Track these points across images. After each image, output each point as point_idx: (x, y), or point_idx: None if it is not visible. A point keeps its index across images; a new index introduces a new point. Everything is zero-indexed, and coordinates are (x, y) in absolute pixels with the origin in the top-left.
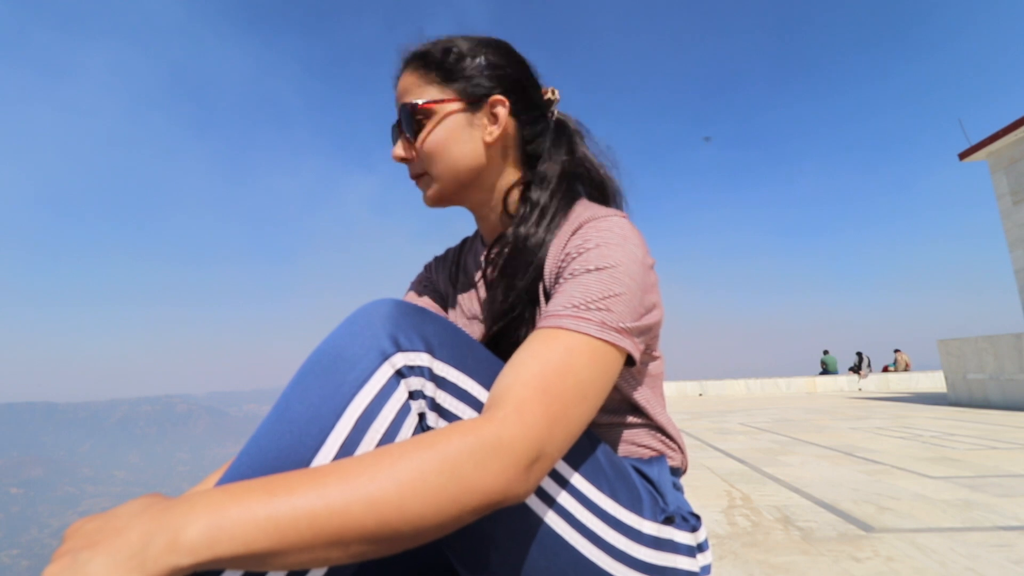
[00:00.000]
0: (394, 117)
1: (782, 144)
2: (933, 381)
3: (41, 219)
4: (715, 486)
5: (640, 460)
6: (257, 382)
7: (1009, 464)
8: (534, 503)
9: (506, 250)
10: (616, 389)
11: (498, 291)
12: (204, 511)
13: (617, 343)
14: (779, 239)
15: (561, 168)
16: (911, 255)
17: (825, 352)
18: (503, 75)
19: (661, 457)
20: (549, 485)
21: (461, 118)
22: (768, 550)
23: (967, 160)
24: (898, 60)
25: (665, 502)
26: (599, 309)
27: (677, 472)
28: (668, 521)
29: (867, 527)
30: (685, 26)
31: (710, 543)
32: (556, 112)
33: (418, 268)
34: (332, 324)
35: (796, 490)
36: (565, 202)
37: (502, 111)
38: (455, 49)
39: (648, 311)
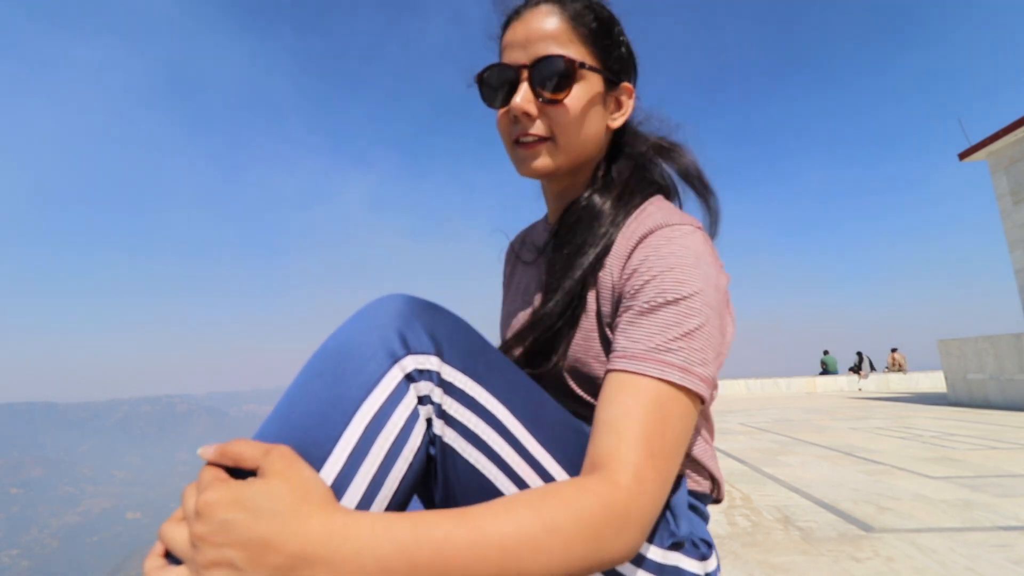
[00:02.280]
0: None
1: (780, 141)
2: (933, 381)
3: (40, 218)
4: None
5: None
6: (257, 382)
7: (1009, 464)
8: None
9: (574, 219)
10: None
11: (556, 265)
12: (385, 532)
13: (699, 391)
14: (778, 238)
15: (647, 148)
16: (911, 255)
17: (825, 352)
18: (633, 59)
19: (681, 479)
20: None
21: (601, 94)
22: (768, 550)
23: (967, 160)
24: (898, 57)
25: (677, 525)
26: (680, 350)
27: (703, 498)
28: (676, 547)
29: (867, 527)
30: (681, 21)
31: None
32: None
33: (415, 265)
34: (331, 322)
35: (796, 490)
36: (643, 187)
37: (628, 101)
38: (606, 15)
39: (724, 338)
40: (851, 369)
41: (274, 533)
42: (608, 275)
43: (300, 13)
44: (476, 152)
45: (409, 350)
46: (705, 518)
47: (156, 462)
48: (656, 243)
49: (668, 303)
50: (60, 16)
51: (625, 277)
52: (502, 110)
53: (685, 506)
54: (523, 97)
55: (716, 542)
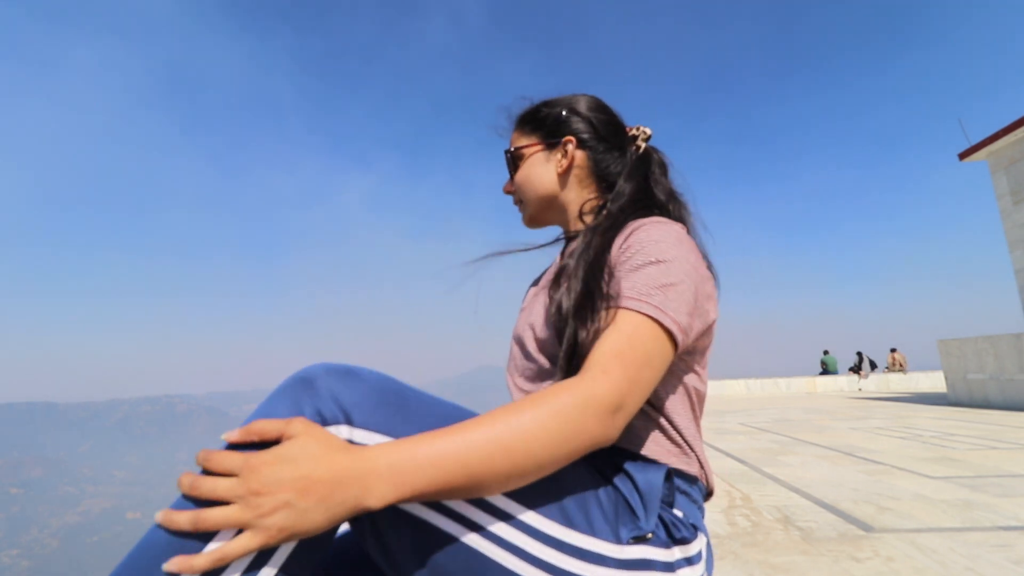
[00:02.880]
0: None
1: (780, 141)
2: (933, 381)
3: (40, 218)
4: (715, 486)
5: (635, 464)
6: (257, 382)
7: (1009, 464)
8: (469, 537)
9: (580, 240)
10: None
11: (569, 265)
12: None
13: (668, 325)
14: (779, 238)
15: (635, 187)
16: (911, 255)
17: (825, 352)
18: (575, 120)
19: (661, 466)
20: (486, 519)
21: (541, 156)
22: (768, 550)
23: (967, 160)
24: (898, 57)
25: (646, 513)
26: (657, 295)
27: (691, 480)
28: (639, 540)
29: (867, 527)
30: (681, 21)
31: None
32: (643, 146)
33: (415, 265)
34: (331, 322)
35: (796, 490)
36: (637, 215)
37: (570, 147)
38: (543, 108)
39: (699, 315)
40: (851, 369)
41: (314, 470)
42: (609, 265)
43: (300, 13)
44: (476, 152)
45: (324, 421)
46: (695, 501)
47: (156, 462)
48: (645, 227)
49: (651, 263)
50: (60, 16)
51: (618, 255)
52: None
53: (658, 493)
54: (506, 183)
55: (716, 542)
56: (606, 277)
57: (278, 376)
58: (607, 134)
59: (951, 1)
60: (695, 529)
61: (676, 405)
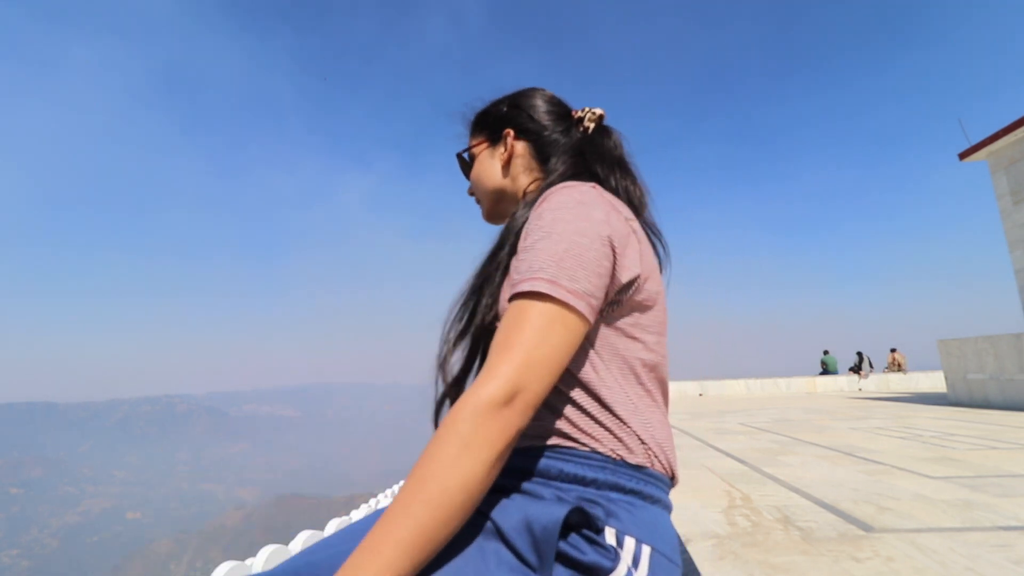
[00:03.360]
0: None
1: (780, 141)
2: (933, 381)
3: (39, 218)
4: (715, 486)
5: (539, 504)
6: (257, 382)
7: (1009, 464)
8: None
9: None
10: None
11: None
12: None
13: (559, 296)
14: (779, 237)
15: (567, 163)
16: (911, 255)
17: (825, 352)
18: (515, 112)
19: (601, 463)
20: None
21: (487, 153)
22: (768, 550)
23: (967, 160)
24: (898, 57)
25: (541, 563)
26: (547, 268)
27: (636, 470)
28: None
29: (867, 527)
30: (681, 20)
31: (710, 544)
32: (590, 126)
33: (415, 265)
34: (331, 323)
35: (796, 490)
36: (556, 180)
37: (509, 138)
38: (489, 107)
39: (601, 274)
40: (851, 369)
41: None
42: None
43: (299, 13)
44: None
45: None
46: (648, 497)
47: (156, 462)
48: (548, 199)
49: (541, 238)
50: (58, 15)
51: (523, 238)
52: None
53: (553, 543)
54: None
55: (716, 542)
56: (498, 279)
57: (278, 376)
58: (549, 121)
59: (952, 0)
60: (614, 549)
61: (607, 378)
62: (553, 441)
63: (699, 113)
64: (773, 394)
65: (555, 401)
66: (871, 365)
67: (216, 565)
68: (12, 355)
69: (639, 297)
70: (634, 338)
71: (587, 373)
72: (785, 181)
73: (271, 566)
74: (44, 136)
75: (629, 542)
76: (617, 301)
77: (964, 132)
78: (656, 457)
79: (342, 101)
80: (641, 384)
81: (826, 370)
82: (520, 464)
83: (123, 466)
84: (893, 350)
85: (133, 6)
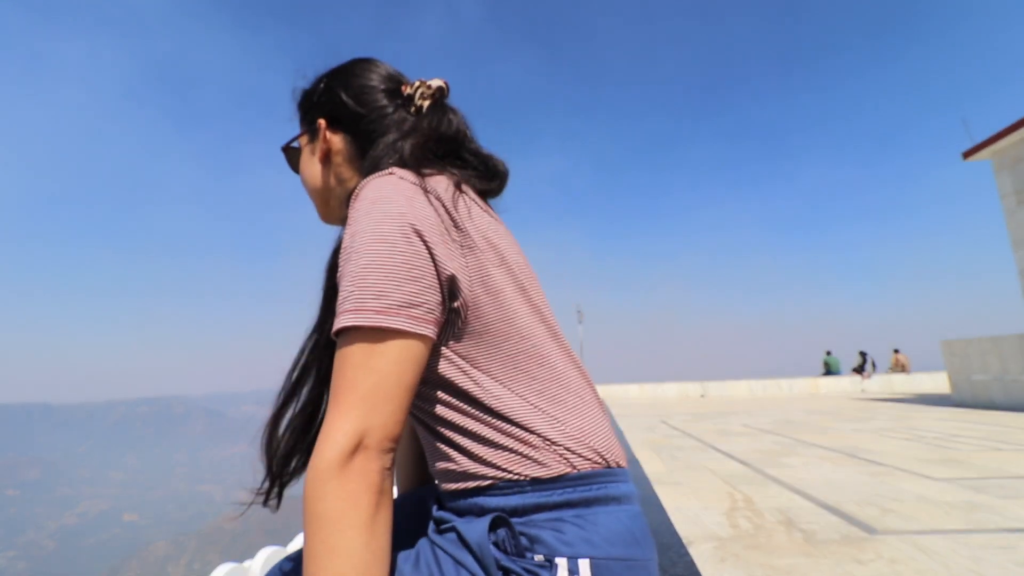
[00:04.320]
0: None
1: (780, 140)
2: (936, 382)
3: (34, 217)
4: (717, 488)
5: (486, 511)
6: (256, 383)
7: (1013, 466)
8: None
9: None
10: (432, 373)
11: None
12: None
13: (368, 324)
14: (780, 237)
15: (379, 158)
16: (914, 254)
17: (828, 353)
18: (328, 100)
19: (517, 489)
20: None
21: (308, 147)
22: (770, 552)
23: (970, 159)
24: (901, 54)
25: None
26: (352, 296)
27: (553, 483)
28: None
29: (870, 529)
30: (681, 19)
31: (712, 546)
32: (424, 104)
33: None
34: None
35: (799, 492)
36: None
37: (322, 132)
38: (307, 87)
39: (418, 277)
40: (854, 370)
41: None
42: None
43: (294, 9)
44: None
45: None
46: (578, 503)
47: (154, 464)
48: (349, 211)
49: (344, 261)
50: (50, 11)
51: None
52: None
53: (491, 553)
54: None
55: (717, 544)
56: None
57: (277, 377)
58: (372, 103)
59: None
60: (548, 563)
61: (492, 387)
62: (462, 485)
63: (699, 112)
64: (775, 395)
65: (451, 436)
66: (874, 366)
67: (214, 567)
68: (8, 356)
69: (480, 280)
70: (501, 327)
71: (469, 389)
72: (786, 180)
73: (269, 567)
74: (36, 134)
75: (561, 562)
76: (457, 290)
77: (967, 131)
78: (575, 454)
79: None
80: (532, 377)
81: (829, 371)
82: (441, 514)
83: (120, 467)
84: (896, 351)
85: (126, 2)
